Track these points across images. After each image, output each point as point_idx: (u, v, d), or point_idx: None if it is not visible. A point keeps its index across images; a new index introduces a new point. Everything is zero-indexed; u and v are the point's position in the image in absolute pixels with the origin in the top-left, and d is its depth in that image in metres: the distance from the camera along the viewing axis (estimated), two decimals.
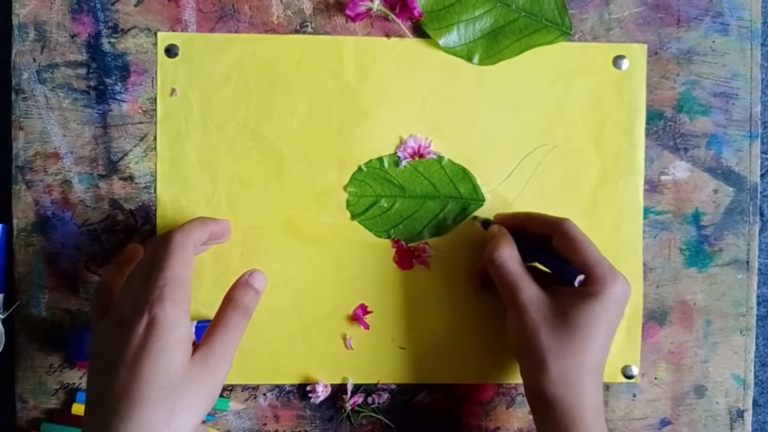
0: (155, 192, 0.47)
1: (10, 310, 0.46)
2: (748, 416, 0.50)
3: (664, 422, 0.50)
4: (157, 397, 0.34)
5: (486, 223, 0.47)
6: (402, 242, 0.48)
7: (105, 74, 0.47)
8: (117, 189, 0.47)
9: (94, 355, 0.37)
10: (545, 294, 0.42)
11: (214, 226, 0.43)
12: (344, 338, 0.48)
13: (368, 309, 0.48)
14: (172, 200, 0.47)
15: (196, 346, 0.37)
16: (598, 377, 0.41)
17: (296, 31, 0.47)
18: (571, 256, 0.42)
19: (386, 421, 0.49)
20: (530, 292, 0.41)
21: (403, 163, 0.48)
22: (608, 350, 0.41)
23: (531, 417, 0.49)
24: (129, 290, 0.38)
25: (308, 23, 0.47)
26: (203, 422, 0.47)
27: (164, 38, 0.47)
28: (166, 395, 0.34)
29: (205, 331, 0.38)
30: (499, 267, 0.42)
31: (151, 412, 0.34)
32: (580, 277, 0.40)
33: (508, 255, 0.43)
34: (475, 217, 0.48)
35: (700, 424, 0.50)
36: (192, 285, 0.46)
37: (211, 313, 0.47)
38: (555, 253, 0.43)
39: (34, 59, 0.46)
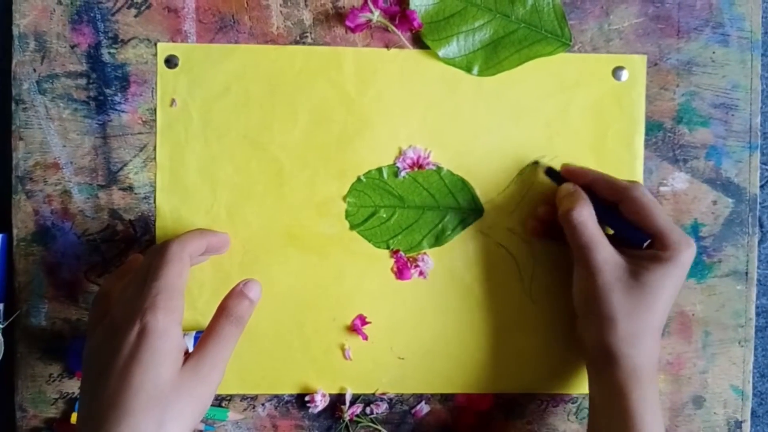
0: (155, 202, 0.47)
1: (10, 319, 0.46)
2: (747, 427, 0.50)
3: None
4: (146, 406, 0.34)
5: (551, 172, 0.47)
6: (401, 253, 0.48)
7: (105, 85, 0.47)
8: (117, 199, 0.47)
9: (87, 363, 0.38)
10: (619, 256, 0.43)
11: (212, 238, 0.44)
12: (343, 348, 0.48)
13: (367, 319, 0.48)
14: (171, 210, 0.47)
15: (188, 355, 0.37)
16: (659, 335, 0.43)
17: (296, 42, 0.47)
18: (642, 222, 0.43)
19: (385, 431, 0.49)
20: (606, 253, 0.42)
21: (402, 173, 0.48)
22: (669, 309, 0.43)
23: (528, 428, 0.49)
24: (123, 298, 0.38)
25: (308, 34, 0.47)
26: None
27: (164, 49, 0.47)
28: (155, 404, 0.34)
29: (198, 340, 0.38)
30: (577, 226, 0.43)
31: (140, 422, 0.34)
32: (648, 241, 0.42)
33: (587, 215, 0.43)
34: (537, 162, 0.48)
35: None
36: (191, 295, 0.47)
37: None
38: (621, 216, 0.44)
39: (35, 69, 0.46)
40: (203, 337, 0.38)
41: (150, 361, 0.35)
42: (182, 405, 0.35)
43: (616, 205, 0.44)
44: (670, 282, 0.42)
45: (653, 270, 0.42)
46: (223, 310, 0.39)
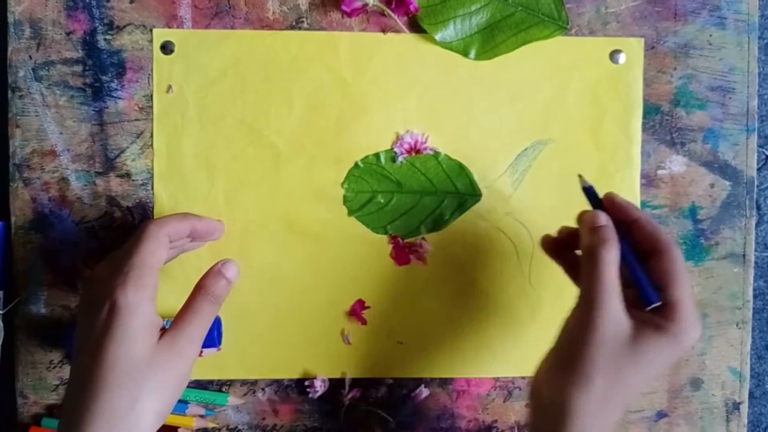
0: (152, 189, 0.47)
1: (9, 306, 0.47)
2: (744, 408, 0.50)
3: (661, 414, 0.50)
4: (120, 381, 0.34)
5: (590, 192, 0.42)
6: (399, 238, 0.48)
7: (101, 71, 0.46)
8: (114, 186, 0.47)
9: (74, 343, 0.38)
10: (625, 316, 0.38)
11: (197, 223, 0.43)
12: (342, 333, 0.48)
13: (366, 304, 0.48)
14: (169, 197, 0.47)
15: (164, 332, 0.37)
16: (624, 409, 0.39)
17: (292, 27, 0.47)
18: (666, 285, 0.38)
19: (384, 414, 0.49)
20: (615, 309, 0.38)
21: (400, 158, 0.48)
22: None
23: (527, 411, 0.49)
24: (100, 278, 0.38)
25: (304, 19, 0.47)
26: (202, 417, 0.48)
27: (160, 35, 0.47)
28: (130, 380, 0.35)
29: (174, 317, 0.38)
30: (602, 267, 0.38)
31: (114, 397, 0.34)
32: (656, 304, 0.38)
33: (614, 259, 0.38)
34: (580, 176, 0.42)
35: (696, 416, 0.50)
36: (189, 280, 0.47)
37: None
38: (643, 266, 0.40)
39: (30, 57, 0.46)
40: (179, 313, 0.38)
41: (122, 337, 0.35)
42: (158, 380, 0.35)
43: (644, 254, 0.40)
44: (666, 359, 0.38)
45: (654, 340, 0.37)
46: (200, 288, 0.39)
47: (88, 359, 0.35)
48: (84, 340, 0.36)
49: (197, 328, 0.38)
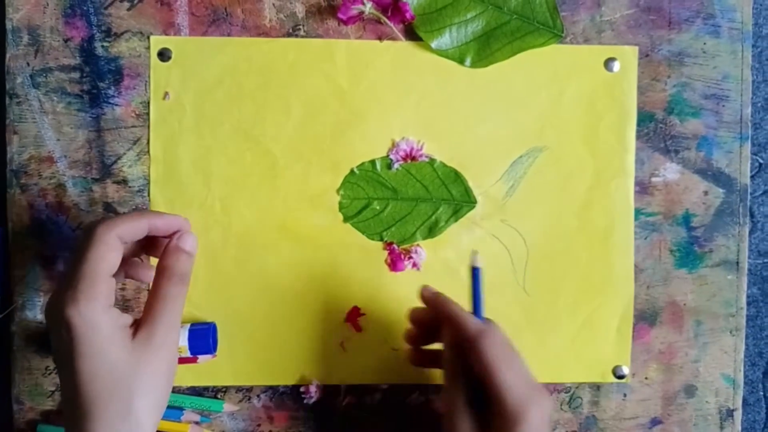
0: (149, 195, 0.47)
1: (6, 312, 0.47)
2: (738, 415, 0.50)
3: (655, 422, 0.50)
4: (107, 390, 0.34)
5: (475, 272, 0.42)
6: (394, 245, 0.48)
7: (98, 78, 0.47)
8: (111, 192, 0.47)
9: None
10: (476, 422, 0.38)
11: (157, 220, 0.39)
12: (337, 340, 0.48)
13: (361, 311, 0.48)
14: (165, 203, 0.47)
15: (137, 326, 0.36)
16: None
17: (289, 35, 0.47)
18: (482, 377, 0.37)
19: (379, 421, 0.49)
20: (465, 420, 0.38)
21: (396, 165, 0.48)
22: None
23: None
24: (55, 293, 0.36)
25: (301, 26, 0.47)
26: (197, 423, 0.48)
27: (157, 42, 0.47)
28: (117, 387, 0.34)
29: (144, 307, 0.37)
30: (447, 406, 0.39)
31: (109, 406, 0.34)
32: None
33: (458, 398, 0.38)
34: (475, 251, 0.43)
35: (690, 423, 0.50)
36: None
37: (205, 316, 0.47)
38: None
39: (28, 63, 0.46)
40: (149, 303, 0.37)
41: (89, 351, 0.34)
42: (146, 378, 0.35)
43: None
44: None
45: None
46: (163, 271, 0.37)
47: (69, 376, 0.34)
48: (59, 359, 0.35)
49: (170, 313, 0.36)
